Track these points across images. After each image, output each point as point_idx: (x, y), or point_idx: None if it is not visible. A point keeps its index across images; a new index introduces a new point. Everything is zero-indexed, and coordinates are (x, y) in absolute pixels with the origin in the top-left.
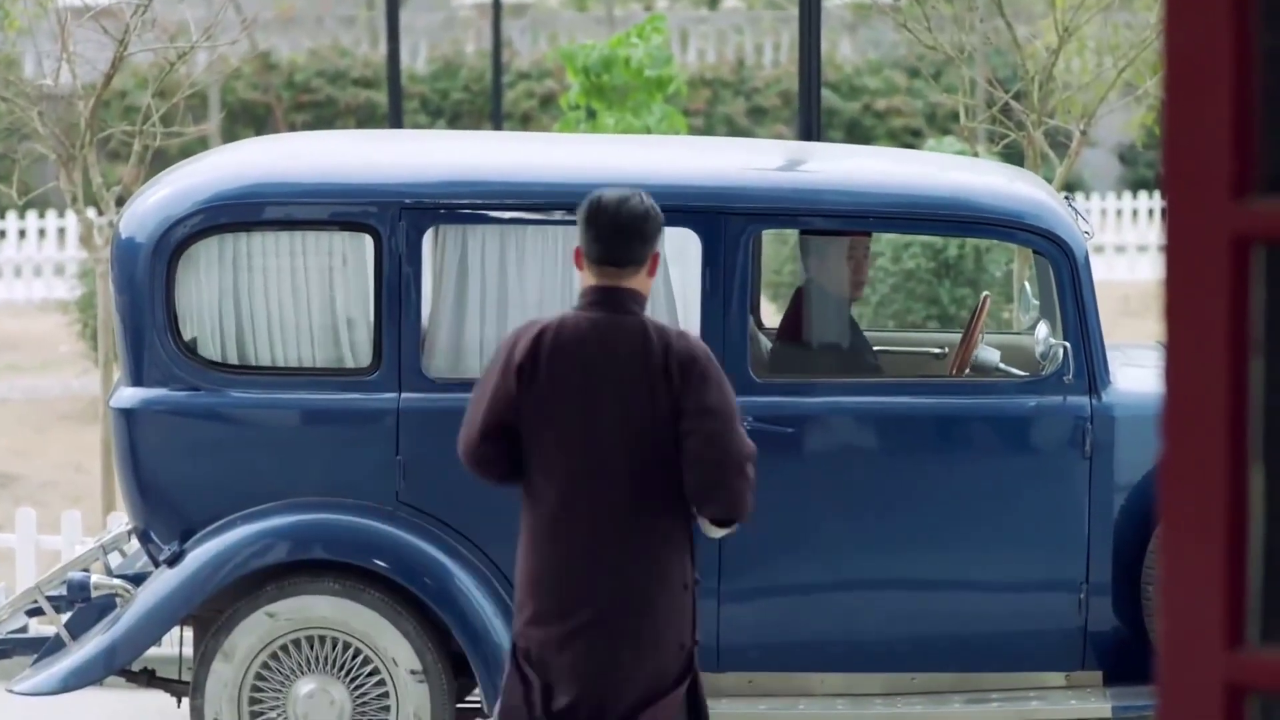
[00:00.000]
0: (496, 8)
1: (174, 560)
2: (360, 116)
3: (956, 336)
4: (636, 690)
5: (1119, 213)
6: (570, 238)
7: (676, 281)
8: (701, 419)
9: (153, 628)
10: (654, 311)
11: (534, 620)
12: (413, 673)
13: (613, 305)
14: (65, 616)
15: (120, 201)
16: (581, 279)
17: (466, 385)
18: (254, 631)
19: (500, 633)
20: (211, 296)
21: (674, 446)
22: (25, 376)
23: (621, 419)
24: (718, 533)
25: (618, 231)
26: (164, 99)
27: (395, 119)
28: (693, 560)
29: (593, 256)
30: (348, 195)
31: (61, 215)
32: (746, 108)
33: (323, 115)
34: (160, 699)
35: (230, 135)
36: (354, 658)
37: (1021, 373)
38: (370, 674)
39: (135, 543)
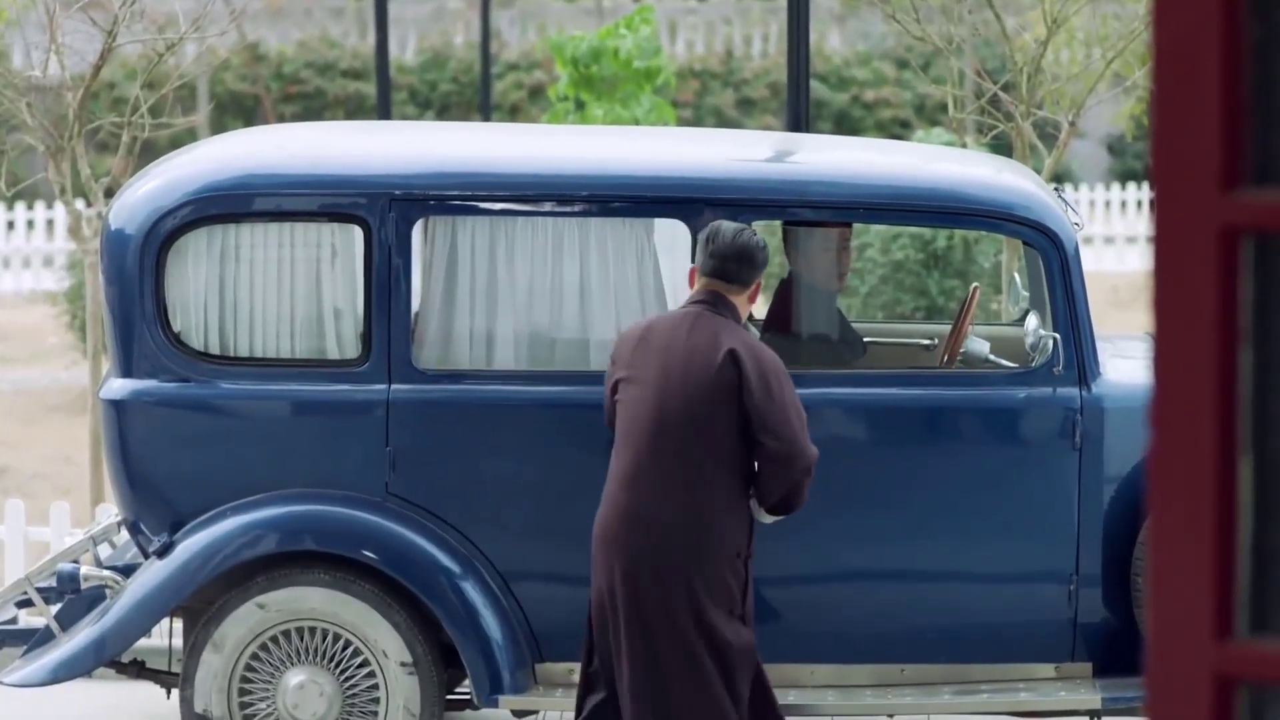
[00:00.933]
0: None
1: (164, 551)
2: (349, 108)
3: (946, 328)
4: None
5: (1108, 204)
6: (559, 228)
7: (666, 272)
8: (773, 430)
9: (142, 619)
10: (643, 302)
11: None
12: (403, 664)
13: (709, 303)
14: (55, 608)
15: (109, 193)
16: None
17: (456, 376)
18: (244, 623)
19: (490, 623)
20: (201, 288)
21: (733, 435)
22: (14, 368)
23: (684, 397)
24: (770, 518)
25: (732, 253)
26: (152, 90)
27: (384, 110)
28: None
29: (705, 270)
30: (337, 186)
31: (50, 206)
32: (735, 99)
33: (311, 106)
34: (150, 690)
35: (219, 126)
36: (344, 649)
37: (1011, 364)
38: (360, 665)
39: (125, 534)
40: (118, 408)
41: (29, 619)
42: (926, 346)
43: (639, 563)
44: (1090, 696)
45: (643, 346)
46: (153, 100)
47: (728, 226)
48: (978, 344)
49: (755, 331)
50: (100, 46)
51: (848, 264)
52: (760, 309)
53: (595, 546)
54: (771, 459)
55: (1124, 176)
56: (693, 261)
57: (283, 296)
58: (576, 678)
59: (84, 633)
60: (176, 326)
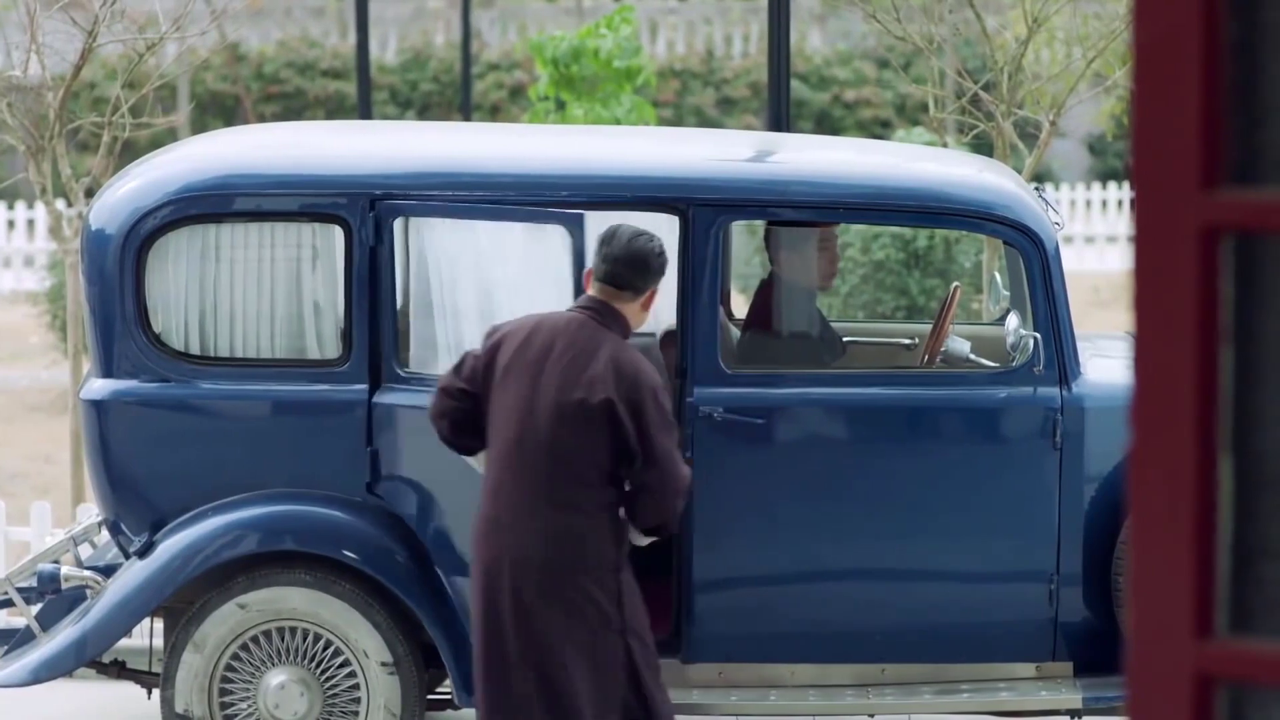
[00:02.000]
0: None
1: (144, 551)
2: (329, 108)
3: (926, 327)
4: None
5: (1088, 203)
6: (539, 229)
7: None
8: (646, 460)
9: (123, 619)
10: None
11: None
12: (383, 664)
13: (596, 311)
14: (35, 608)
15: (89, 193)
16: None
17: (437, 377)
18: (225, 623)
19: (470, 625)
20: (181, 288)
21: (601, 452)
22: None
23: (552, 414)
24: (644, 540)
25: (625, 258)
26: (133, 90)
27: (364, 110)
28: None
29: (597, 275)
30: (318, 186)
31: (31, 206)
32: (716, 99)
33: (292, 106)
34: (131, 690)
35: (199, 126)
36: (325, 649)
37: (992, 364)
38: (341, 665)
39: (105, 534)
40: (98, 408)
41: (9, 619)
42: (907, 346)
43: (499, 575)
44: (1071, 696)
45: (522, 351)
46: (133, 100)
47: (625, 230)
48: (958, 344)
49: (736, 332)
50: (81, 46)
51: (834, 264)
52: (740, 308)
53: (470, 552)
54: (645, 489)
55: (1104, 176)
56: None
57: (263, 297)
58: None
59: (65, 633)
60: (157, 327)
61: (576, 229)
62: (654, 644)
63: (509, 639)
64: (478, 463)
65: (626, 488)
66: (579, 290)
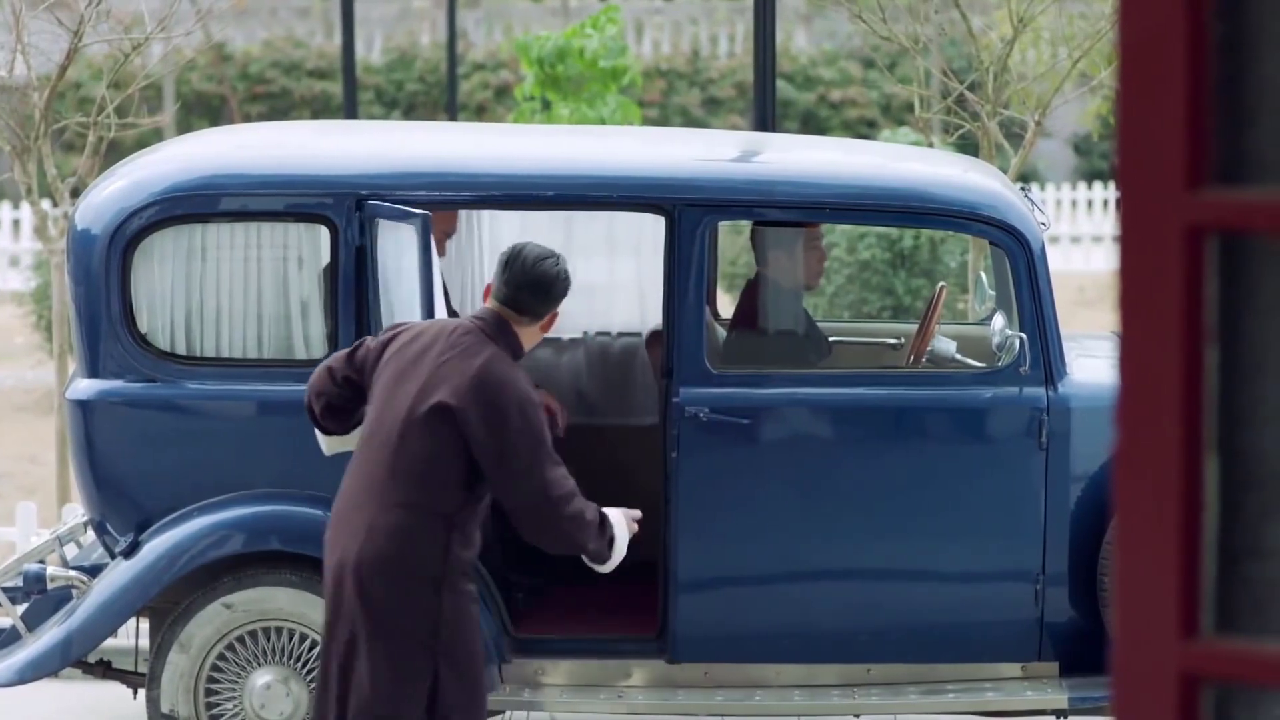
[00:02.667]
0: None
1: (130, 552)
2: (315, 108)
3: (912, 327)
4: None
5: (1074, 203)
6: (526, 228)
7: (632, 272)
8: (512, 467)
9: (109, 619)
10: (610, 298)
11: None
12: None
13: (489, 325)
14: (21, 608)
15: (75, 193)
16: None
17: None
18: (210, 623)
19: None
20: (167, 288)
21: (451, 467)
22: None
23: (408, 421)
24: (600, 568)
25: (526, 283)
26: (119, 90)
27: (350, 110)
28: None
29: (497, 295)
30: (303, 186)
31: (16, 207)
32: (701, 99)
33: (277, 106)
34: (116, 690)
35: (185, 126)
36: (310, 649)
37: (978, 364)
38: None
39: (91, 534)
40: (84, 408)
41: None
42: (893, 346)
43: (341, 571)
44: (1057, 696)
45: (405, 350)
46: (119, 100)
47: (531, 252)
48: (944, 343)
49: (722, 333)
50: (66, 46)
51: (820, 264)
52: (726, 308)
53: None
54: (517, 507)
55: (1090, 176)
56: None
57: (249, 297)
58: (546, 678)
59: (50, 633)
60: (143, 327)
61: (423, 229)
62: (481, 684)
63: (335, 635)
64: (325, 444)
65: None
66: (427, 292)
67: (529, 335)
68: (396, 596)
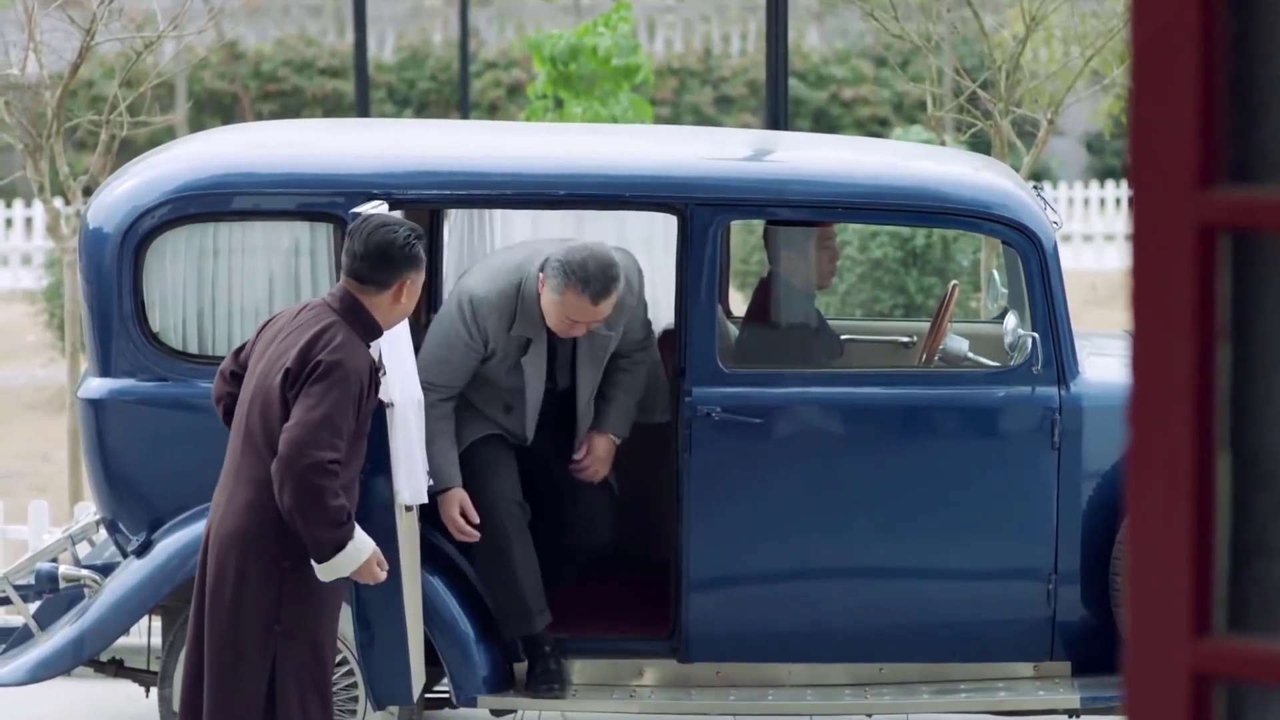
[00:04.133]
0: None
1: (142, 550)
2: (327, 106)
3: (924, 326)
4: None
5: (1086, 202)
6: (540, 225)
7: (645, 271)
8: (287, 430)
9: (121, 618)
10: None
11: None
12: None
13: (338, 300)
14: (33, 607)
15: (87, 191)
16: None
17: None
18: None
19: (468, 623)
20: (179, 287)
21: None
22: None
23: (259, 398)
24: (321, 572)
25: (363, 252)
26: (131, 89)
27: (362, 108)
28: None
29: (343, 269)
30: (315, 185)
31: (28, 205)
32: (713, 97)
33: (289, 105)
34: (128, 689)
35: (197, 125)
36: None
37: (990, 362)
38: (339, 664)
39: (103, 533)
40: (96, 406)
41: (7, 618)
42: (905, 345)
43: (204, 550)
44: (1069, 695)
45: (264, 334)
46: (131, 99)
47: (372, 221)
48: (957, 342)
49: (735, 332)
50: (78, 45)
51: (833, 263)
52: (739, 307)
53: None
54: (277, 461)
55: (1102, 174)
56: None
57: (261, 295)
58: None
59: (63, 632)
60: (155, 325)
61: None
62: (327, 662)
63: (202, 610)
64: None
65: None
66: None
67: (382, 308)
68: (240, 575)
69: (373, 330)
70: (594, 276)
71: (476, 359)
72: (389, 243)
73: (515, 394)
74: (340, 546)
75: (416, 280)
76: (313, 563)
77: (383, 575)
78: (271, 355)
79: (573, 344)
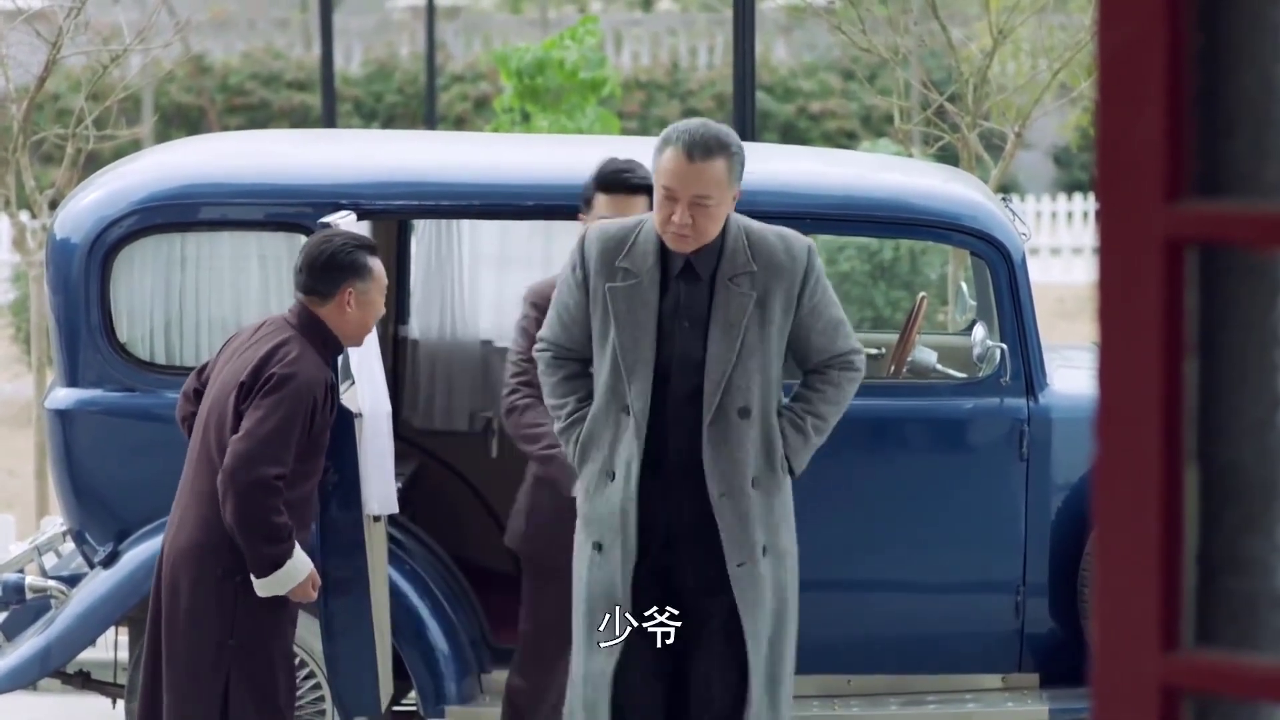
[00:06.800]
0: (430, 10)
1: (109, 561)
2: (294, 119)
3: (893, 338)
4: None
5: (1053, 215)
6: (507, 237)
7: None
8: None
9: (88, 629)
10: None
11: None
12: None
13: (293, 314)
14: None
15: (53, 205)
16: None
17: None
18: None
19: (436, 634)
20: (146, 297)
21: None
22: None
23: (214, 411)
24: (259, 587)
25: (303, 264)
26: (97, 102)
27: (329, 122)
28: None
29: (294, 282)
30: (282, 195)
31: None
32: (681, 110)
33: (256, 118)
34: (95, 701)
35: (164, 138)
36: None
37: (958, 374)
38: (305, 676)
39: (70, 544)
40: (63, 417)
41: None
42: (874, 357)
43: (159, 565)
44: (1037, 707)
45: (222, 355)
46: (97, 112)
47: (315, 234)
48: (925, 354)
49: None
50: (45, 58)
51: None
52: None
53: None
54: (223, 472)
55: (1070, 187)
56: None
57: (228, 306)
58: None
59: (29, 643)
60: (122, 336)
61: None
62: (276, 693)
63: (158, 624)
64: None
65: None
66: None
67: (335, 318)
68: (194, 589)
69: (332, 345)
70: (697, 132)
71: (583, 297)
72: (325, 252)
73: (628, 371)
74: (279, 563)
75: (365, 289)
76: (254, 578)
77: (314, 595)
78: (229, 371)
79: (706, 301)
